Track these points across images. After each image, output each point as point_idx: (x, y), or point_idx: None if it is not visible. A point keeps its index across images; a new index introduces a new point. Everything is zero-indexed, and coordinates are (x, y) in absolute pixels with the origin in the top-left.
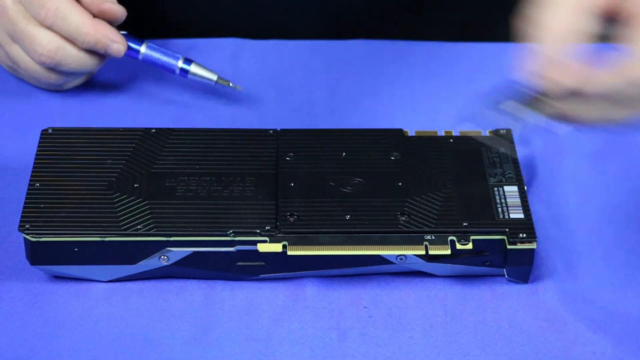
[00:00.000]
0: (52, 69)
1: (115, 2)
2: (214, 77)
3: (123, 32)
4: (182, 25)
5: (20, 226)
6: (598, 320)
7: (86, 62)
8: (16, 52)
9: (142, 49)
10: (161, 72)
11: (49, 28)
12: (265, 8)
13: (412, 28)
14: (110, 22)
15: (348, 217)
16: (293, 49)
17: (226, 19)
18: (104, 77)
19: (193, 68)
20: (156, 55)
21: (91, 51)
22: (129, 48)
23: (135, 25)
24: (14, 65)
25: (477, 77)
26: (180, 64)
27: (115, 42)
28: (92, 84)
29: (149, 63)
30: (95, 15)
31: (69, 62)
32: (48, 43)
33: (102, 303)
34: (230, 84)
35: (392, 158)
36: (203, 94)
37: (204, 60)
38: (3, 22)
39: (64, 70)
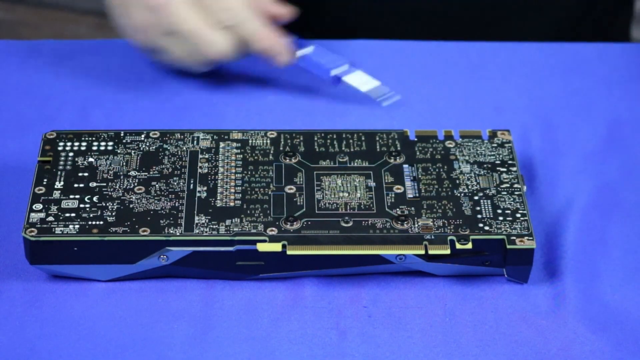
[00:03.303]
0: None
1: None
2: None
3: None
4: None
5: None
6: (598, 320)
7: (236, 57)
8: (168, 45)
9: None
10: (165, 71)
11: (225, 30)
12: None
13: (412, 28)
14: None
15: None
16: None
17: None
18: (103, 77)
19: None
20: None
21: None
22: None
23: None
24: (154, 50)
25: (477, 77)
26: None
27: (280, 55)
28: (91, 84)
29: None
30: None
31: (227, 59)
32: (222, 45)
33: (101, 302)
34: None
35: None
36: (204, 93)
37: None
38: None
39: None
